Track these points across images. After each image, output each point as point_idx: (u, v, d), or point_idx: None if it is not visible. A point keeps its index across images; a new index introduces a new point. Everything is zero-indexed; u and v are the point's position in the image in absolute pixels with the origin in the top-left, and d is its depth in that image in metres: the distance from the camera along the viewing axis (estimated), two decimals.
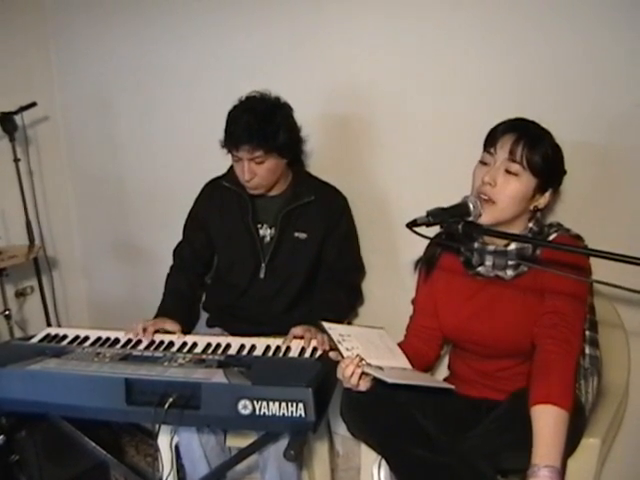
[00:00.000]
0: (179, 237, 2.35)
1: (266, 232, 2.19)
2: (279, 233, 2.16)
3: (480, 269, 1.67)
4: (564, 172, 1.61)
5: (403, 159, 2.20)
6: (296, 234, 2.16)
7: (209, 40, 2.67)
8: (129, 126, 3.16)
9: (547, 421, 1.38)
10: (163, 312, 2.12)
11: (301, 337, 1.93)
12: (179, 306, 2.17)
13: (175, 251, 2.35)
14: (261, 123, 1.97)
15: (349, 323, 2.35)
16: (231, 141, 2.01)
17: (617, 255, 1.15)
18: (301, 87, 2.36)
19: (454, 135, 2.03)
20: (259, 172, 2.04)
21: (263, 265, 2.19)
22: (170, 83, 2.88)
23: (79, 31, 3.20)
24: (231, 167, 2.17)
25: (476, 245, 1.67)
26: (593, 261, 1.54)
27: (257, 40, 2.49)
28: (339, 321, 2.06)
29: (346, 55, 2.25)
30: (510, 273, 1.62)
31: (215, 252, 2.32)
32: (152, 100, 2.99)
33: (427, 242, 1.73)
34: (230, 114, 2.05)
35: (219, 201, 2.23)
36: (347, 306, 2.23)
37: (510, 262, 1.61)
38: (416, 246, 1.75)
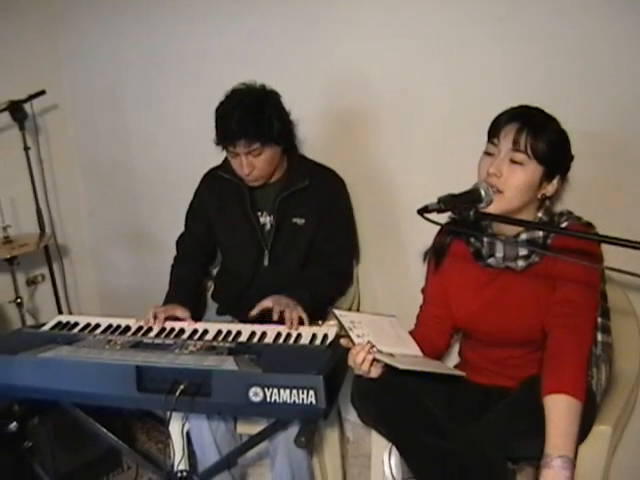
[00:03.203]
0: None
1: (266, 220, 2.19)
2: (277, 220, 2.16)
3: (490, 260, 1.66)
4: (571, 157, 1.58)
5: (409, 146, 2.19)
6: (294, 220, 2.16)
7: (214, 29, 2.66)
8: (138, 114, 3.16)
9: (560, 411, 1.38)
10: (171, 300, 2.12)
11: (270, 309, 1.93)
12: (187, 294, 2.17)
13: (178, 242, 2.36)
14: (254, 115, 1.96)
15: (358, 311, 2.36)
16: (226, 138, 2.00)
17: (629, 241, 1.14)
18: (306, 75, 2.36)
19: (460, 122, 2.02)
20: (257, 164, 2.04)
21: (266, 252, 2.19)
22: (178, 71, 2.87)
23: (87, 20, 3.19)
24: (227, 157, 2.16)
25: (486, 236, 1.66)
26: (605, 248, 1.53)
27: (261, 29, 2.49)
28: (318, 298, 2.07)
29: (352, 42, 2.23)
30: (521, 264, 1.61)
31: (217, 243, 2.32)
32: (160, 88, 2.99)
33: (434, 229, 1.72)
34: (219, 111, 2.03)
35: (217, 192, 2.24)
36: (329, 285, 2.19)
37: (521, 252, 1.60)
38: (425, 231, 1.74)
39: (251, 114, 1.96)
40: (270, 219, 2.18)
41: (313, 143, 2.39)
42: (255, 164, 2.03)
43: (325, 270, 2.16)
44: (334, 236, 2.19)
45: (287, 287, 2.12)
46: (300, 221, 2.15)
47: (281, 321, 1.91)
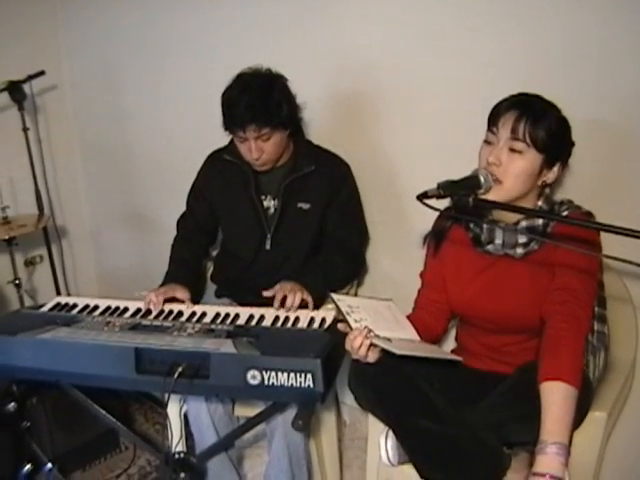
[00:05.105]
0: None
1: (270, 203, 2.19)
2: (282, 204, 2.15)
3: (489, 247, 1.66)
4: (572, 144, 1.58)
5: (412, 131, 2.18)
6: (299, 205, 2.15)
7: (217, 11, 2.64)
8: (137, 95, 3.14)
9: (556, 398, 1.38)
10: (171, 279, 2.12)
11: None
12: (186, 274, 2.17)
13: (179, 222, 2.35)
14: (263, 100, 1.95)
15: (356, 294, 2.36)
16: (235, 123, 1.98)
17: (629, 230, 1.14)
18: (310, 60, 2.34)
19: (463, 108, 2.01)
20: (266, 149, 2.03)
21: (268, 236, 2.19)
22: (178, 52, 2.86)
23: (87, 0, 3.17)
24: (232, 140, 2.15)
25: (485, 222, 1.66)
26: (604, 237, 1.54)
27: (265, 11, 2.47)
28: (334, 282, 2.07)
29: (355, 27, 2.22)
30: (520, 251, 1.61)
31: (219, 224, 2.32)
32: (160, 69, 2.97)
33: (435, 214, 1.72)
34: (226, 96, 2.01)
35: (221, 174, 2.23)
36: (344, 269, 2.18)
37: (520, 240, 1.61)
38: (425, 217, 1.74)
39: (260, 98, 1.94)
40: (274, 203, 2.18)
41: (317, 128, 2.38)
42: (264, 148, 2.02)
43: (340, 255, 2.16)
44: (345, 221, 2.19)
45: (291, 272, 2.12)
46: (305, 206, 2.15)
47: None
